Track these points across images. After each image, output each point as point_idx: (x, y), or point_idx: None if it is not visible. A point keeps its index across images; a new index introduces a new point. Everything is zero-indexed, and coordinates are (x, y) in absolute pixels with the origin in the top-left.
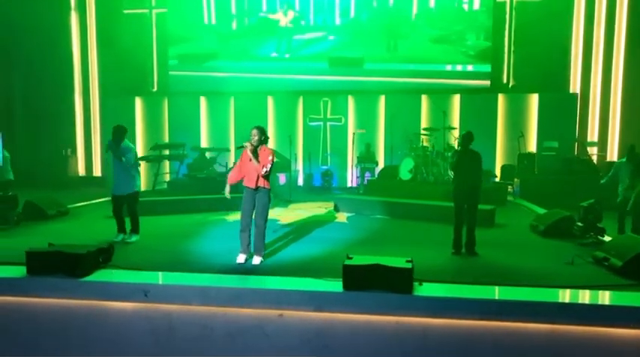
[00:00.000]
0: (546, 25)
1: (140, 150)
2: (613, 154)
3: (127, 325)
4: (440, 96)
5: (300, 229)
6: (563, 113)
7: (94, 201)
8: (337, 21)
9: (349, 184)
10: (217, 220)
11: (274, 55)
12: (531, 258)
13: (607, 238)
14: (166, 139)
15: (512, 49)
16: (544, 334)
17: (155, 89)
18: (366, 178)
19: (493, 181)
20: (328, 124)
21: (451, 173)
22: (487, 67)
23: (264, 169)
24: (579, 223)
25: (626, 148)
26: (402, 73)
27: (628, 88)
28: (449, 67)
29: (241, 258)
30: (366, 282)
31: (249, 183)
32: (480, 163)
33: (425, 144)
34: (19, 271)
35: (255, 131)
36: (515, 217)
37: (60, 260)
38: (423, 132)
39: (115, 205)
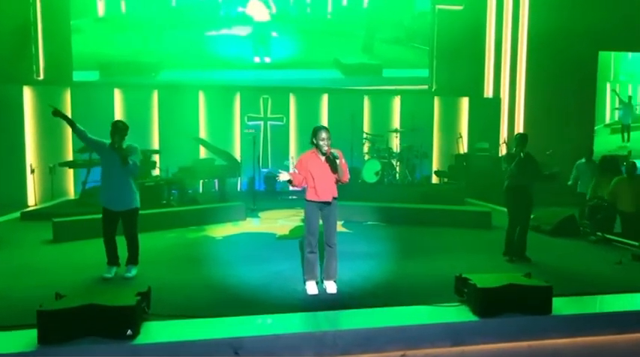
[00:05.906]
0: (465, 33)
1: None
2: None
3: None
4: (382, 96)
5: None
6: (489, 116)
7: None
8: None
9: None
10: (203, 237)
11: (257, 60)
12: (576, 260)
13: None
14: (69, 140)
15: (434, 54)
16: None
17: (42, 77)
18: None
19: (445, 183)
20: (269, 123)
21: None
22: (425, 72)
23: (348, 176)
24: (586, 222)
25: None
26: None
27: (531, 92)
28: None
29: (313, 287)
30: (501, 306)
31: (324, 195)
32: (537, 165)
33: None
34: (22, 342)
35: (326, 134)
36: (493, 218)
37: (95, 318)
38: (371, 134)
39: (108, 226)
